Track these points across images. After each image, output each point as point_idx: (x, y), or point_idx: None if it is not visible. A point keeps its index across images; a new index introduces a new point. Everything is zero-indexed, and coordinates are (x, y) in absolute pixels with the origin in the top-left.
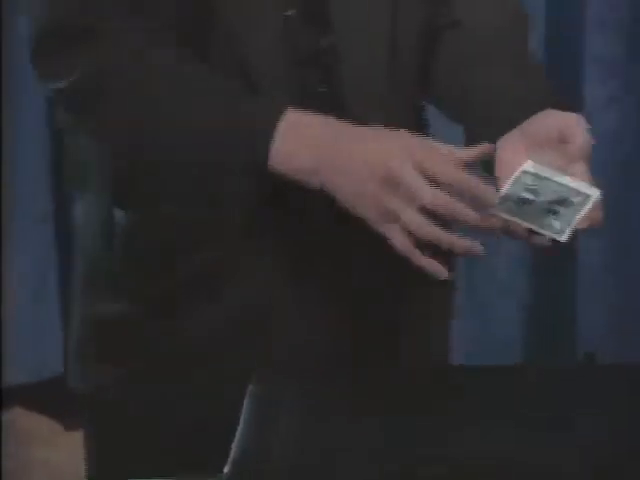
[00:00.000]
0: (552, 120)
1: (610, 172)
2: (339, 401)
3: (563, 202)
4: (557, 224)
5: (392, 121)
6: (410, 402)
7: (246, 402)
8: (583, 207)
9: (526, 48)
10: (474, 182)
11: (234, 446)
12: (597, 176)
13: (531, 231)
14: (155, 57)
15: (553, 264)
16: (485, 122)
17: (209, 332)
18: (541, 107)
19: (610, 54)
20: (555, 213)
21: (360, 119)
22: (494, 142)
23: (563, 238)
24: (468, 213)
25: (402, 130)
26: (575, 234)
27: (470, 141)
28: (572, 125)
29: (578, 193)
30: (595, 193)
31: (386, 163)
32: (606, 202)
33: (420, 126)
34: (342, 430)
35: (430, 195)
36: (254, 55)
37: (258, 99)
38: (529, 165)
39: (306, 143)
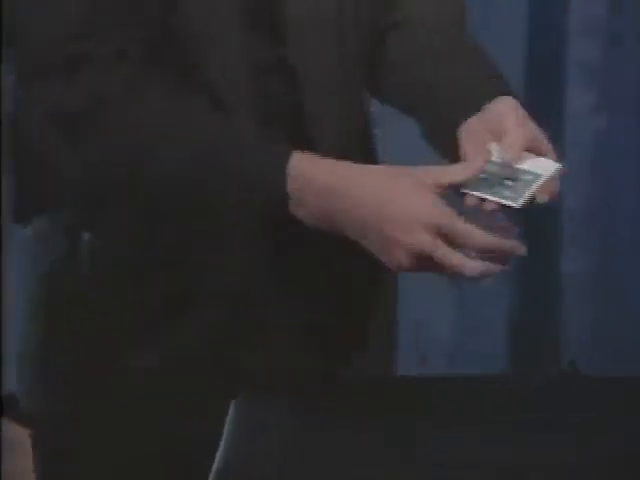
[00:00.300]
0: (501, 108)
1: (594, 178)
2: (322, 414)
3: (514, 179)
4: (508, 193)
5: (347, 122)
6: (392, 413)
7: (229, 417)
8: (536, 182)
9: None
10: (501, 243)
11: (217, 461)
12: (582, 182)
13: (483, 200)
14: (154, 91)
15: (537, 272)
16: (447, 116)
17: (178, 351)
18: (497, 94)
19: (593, 60)
20: (506, 186)
21: (320, 124)
22: (455, 129)
23: (517, 204)
24: (496, 269)
25: (402, 175)
26: (531, 204)
27: (429, 130)
28: (508, 117)
29: (527, 172)
30: (546, 172)
31: (412, 242)
32: (590, 209)
33: (369, 127)
34: (325, 444)
35: (463, 266)
36: (216, 67)
37: (259, 141)
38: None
39: (314, 191)
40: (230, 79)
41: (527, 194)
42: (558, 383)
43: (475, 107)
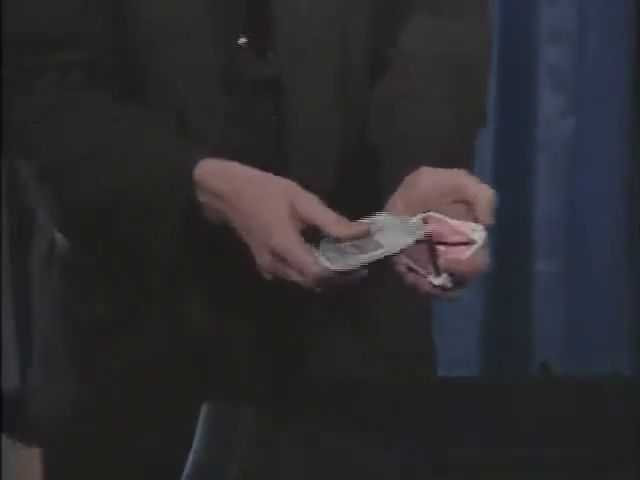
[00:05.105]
0: (443, 179)
1: (565, 184)
2: (289, 417)
3: (360, 247)
4: (339, 258)
5: (342, 151)
6: (361, 414)
7: (200, 420)
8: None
9: (472, 86)
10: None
11: (188, 463)
12: (553, 184)
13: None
14: (88, 106)
15: (508, 274)
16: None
17: (155, 354)
18: (429, 162)
19: (564, 64)
20: (346, 254)
21: (310, 153)
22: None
23: (327, 264)
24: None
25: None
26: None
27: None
28: (468, 184)
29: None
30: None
31: (259, 262)
32: (561, 211)
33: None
34: (296, 447)
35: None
36: (182, 82)
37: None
38: None
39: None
40: (199, 96)
41: (355, 261)
42: (531, 384)
43: (394, 178)
